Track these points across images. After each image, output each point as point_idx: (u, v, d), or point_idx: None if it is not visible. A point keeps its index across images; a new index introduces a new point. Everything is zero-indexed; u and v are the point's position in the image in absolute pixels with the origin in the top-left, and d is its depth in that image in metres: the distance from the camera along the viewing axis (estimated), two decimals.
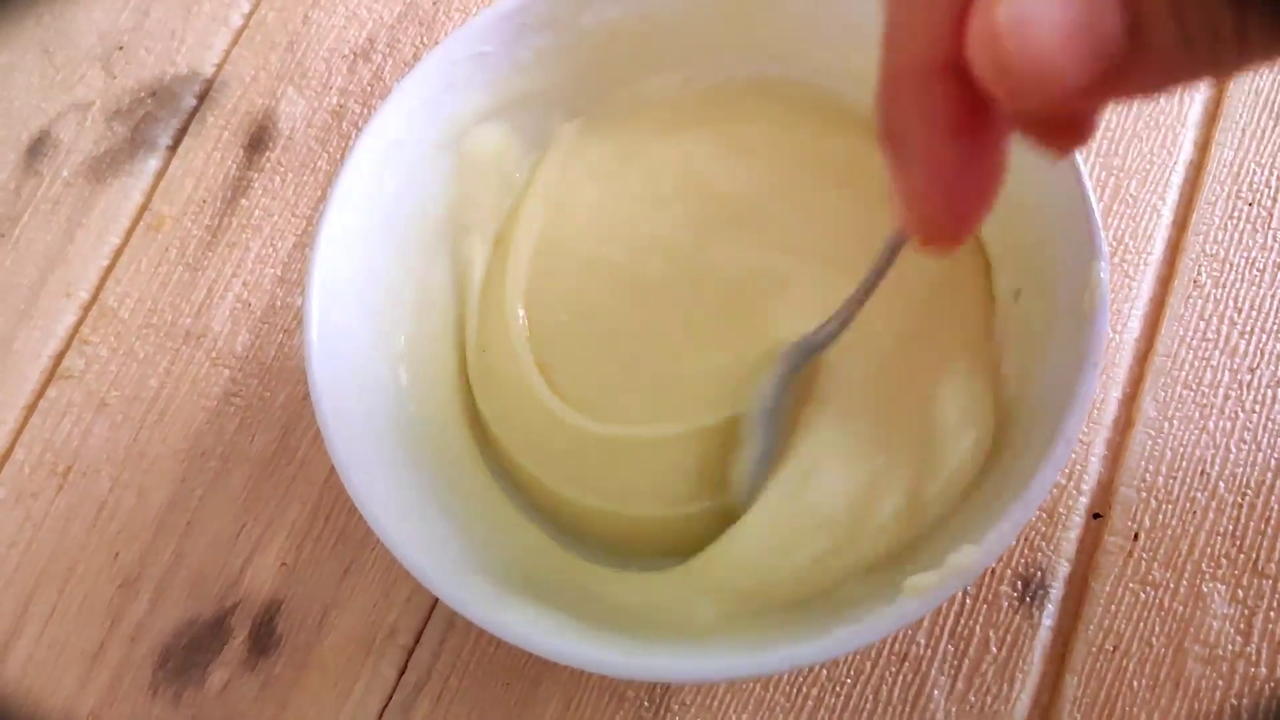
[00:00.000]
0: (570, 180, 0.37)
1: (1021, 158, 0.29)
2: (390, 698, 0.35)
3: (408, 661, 0.35)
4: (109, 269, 0.42)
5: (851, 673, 0.34)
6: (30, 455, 0.39)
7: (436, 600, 0.36)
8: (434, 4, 0.44)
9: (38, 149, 0.44)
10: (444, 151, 0.35)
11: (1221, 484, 0.34)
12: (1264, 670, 0.32)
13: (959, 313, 0.33)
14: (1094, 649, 0.33)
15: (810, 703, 0.33)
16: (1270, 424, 0.35)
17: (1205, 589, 0.33)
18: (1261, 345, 0.36)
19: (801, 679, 0.34)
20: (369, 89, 0.43)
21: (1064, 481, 0.35)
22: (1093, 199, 0.29)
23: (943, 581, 0.26)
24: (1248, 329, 0.36)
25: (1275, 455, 0.34)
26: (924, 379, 0.32)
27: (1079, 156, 0.29)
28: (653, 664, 0.27)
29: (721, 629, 0.30)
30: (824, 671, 0.34)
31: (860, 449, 0.32)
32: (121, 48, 0.45)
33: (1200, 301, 0.36)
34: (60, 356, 0.41)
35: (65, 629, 0.37)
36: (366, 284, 0.34)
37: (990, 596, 0.34)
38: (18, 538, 0.38)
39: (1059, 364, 0.28)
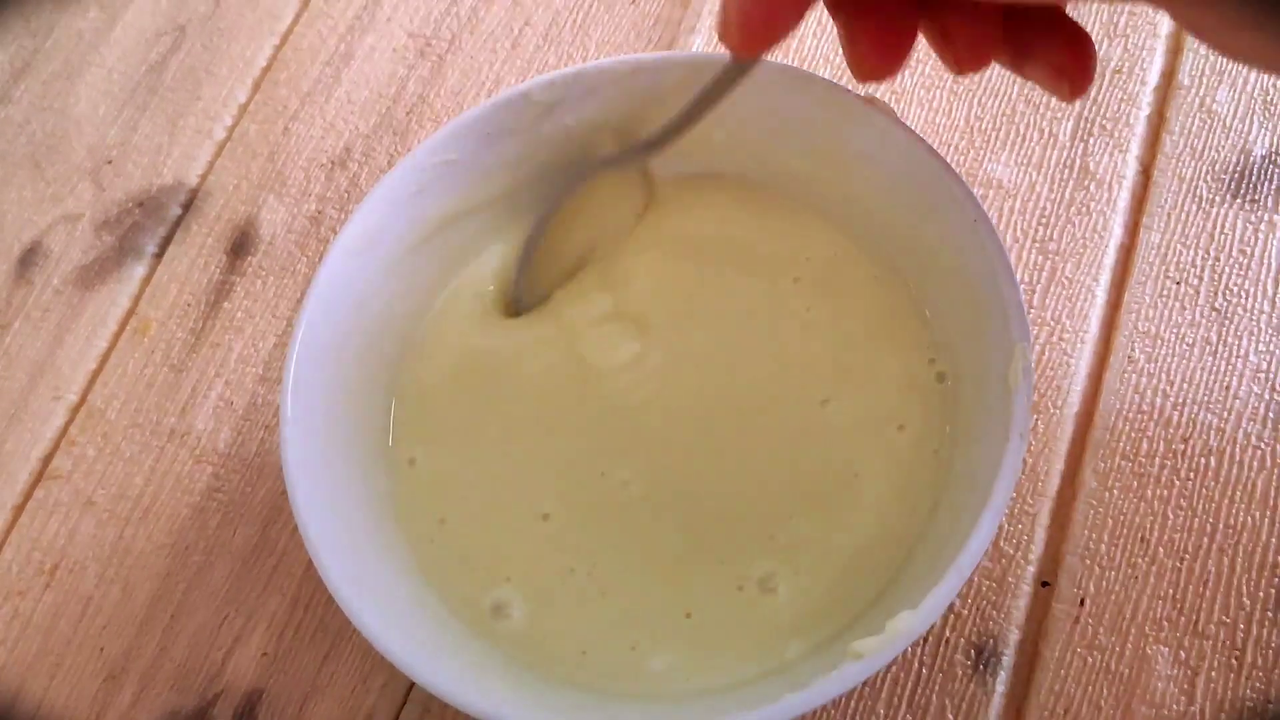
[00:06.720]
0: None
1: (954, 257, 0.31)
2: None
3: None
4: (97, 372, 0.43)
5: None
6: (18, 554, 0.40)
7: (411, 685, 0.36)
8: (406, 115, 0.45)
9: (29, 259, 0.45)
10: (413, 253, 0.36)
11: (1161, 549, 0.35)
12: None
13: (889, 389, 0.35)
14: (1046, 713, 0.33)
15: None
16: (1204, 490, 0.35)
17: (1150, 651, 0.34)
18: (1193, 416, 0.37)
19: None
20: (346, 195, 0.44)
21: (1012, 552, 0.35)
22: (1018, 286, 0.30)
23: (884, 645, 0.26)
24: (1180, 401, 0.37)
25: (1210, 520, 0.35)
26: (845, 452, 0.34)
27: (1004, 248, 0.31)
28: None
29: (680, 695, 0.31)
30: None
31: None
32: (110, 161, 0.46)
33: (1135, 376, 0.37)
34: (49, 458, 0.41)
35: None
36: (341, 380, 0.35)
37: (945, 665, 0.34)
38: (5, 635, 0.39)
39: (988, 437, 0.29)
